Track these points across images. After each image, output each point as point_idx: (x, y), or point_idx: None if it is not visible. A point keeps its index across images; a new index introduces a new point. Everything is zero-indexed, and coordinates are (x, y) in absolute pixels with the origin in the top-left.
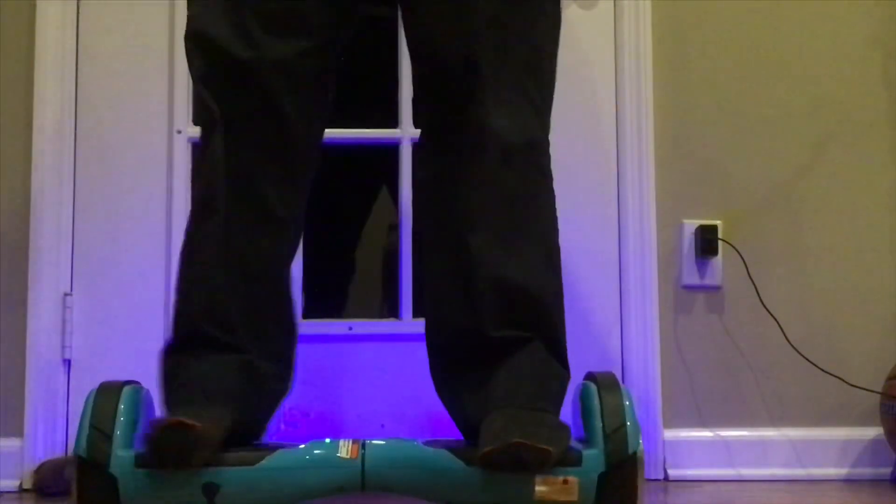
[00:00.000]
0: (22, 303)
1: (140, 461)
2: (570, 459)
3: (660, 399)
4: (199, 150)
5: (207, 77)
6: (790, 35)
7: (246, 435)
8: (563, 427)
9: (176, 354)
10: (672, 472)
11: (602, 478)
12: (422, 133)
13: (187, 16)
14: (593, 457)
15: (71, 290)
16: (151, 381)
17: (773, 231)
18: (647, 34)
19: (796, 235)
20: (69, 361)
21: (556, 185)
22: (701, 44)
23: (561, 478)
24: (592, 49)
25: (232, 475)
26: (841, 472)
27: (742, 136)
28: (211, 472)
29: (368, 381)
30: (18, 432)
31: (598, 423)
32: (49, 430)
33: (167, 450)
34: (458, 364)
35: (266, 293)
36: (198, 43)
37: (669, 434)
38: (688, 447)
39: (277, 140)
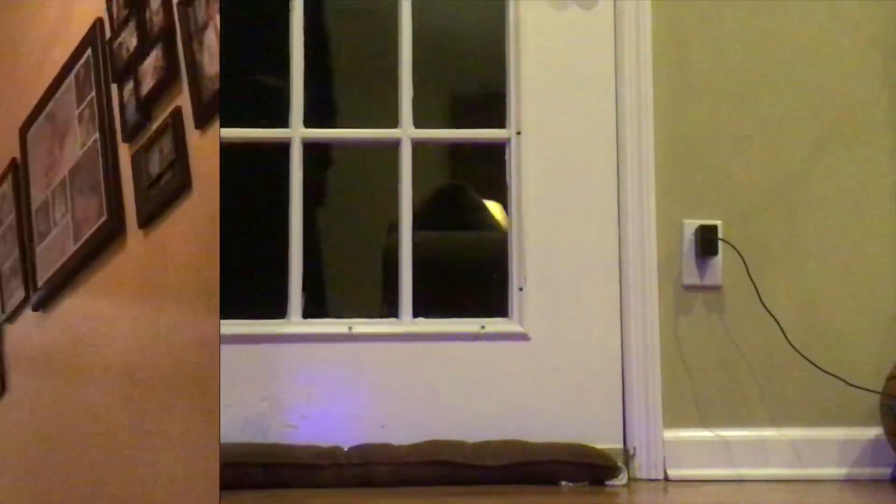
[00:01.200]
0: None
1: None
2: None
3: (660, 399)
4: None
5: None
6: (790, 35)
7: None
8: None
9: None
10: (672, 472)
11: None
12: None
13: None
14: None
15: None
16: None
17: (773, 231)
18: (647, 34)
19: (796, 235)
20: None
21: (555, 185)
22: (701, 44)
23: None
24: (592, 49)
25: None
26: (841, 471)
27: (742, 137)
28: None
29: (368, 380)
30: None
31: None
32: None
33: None
34: None
35: None
36: None
37: (669, 434)
38: (688, 447)
39: None
